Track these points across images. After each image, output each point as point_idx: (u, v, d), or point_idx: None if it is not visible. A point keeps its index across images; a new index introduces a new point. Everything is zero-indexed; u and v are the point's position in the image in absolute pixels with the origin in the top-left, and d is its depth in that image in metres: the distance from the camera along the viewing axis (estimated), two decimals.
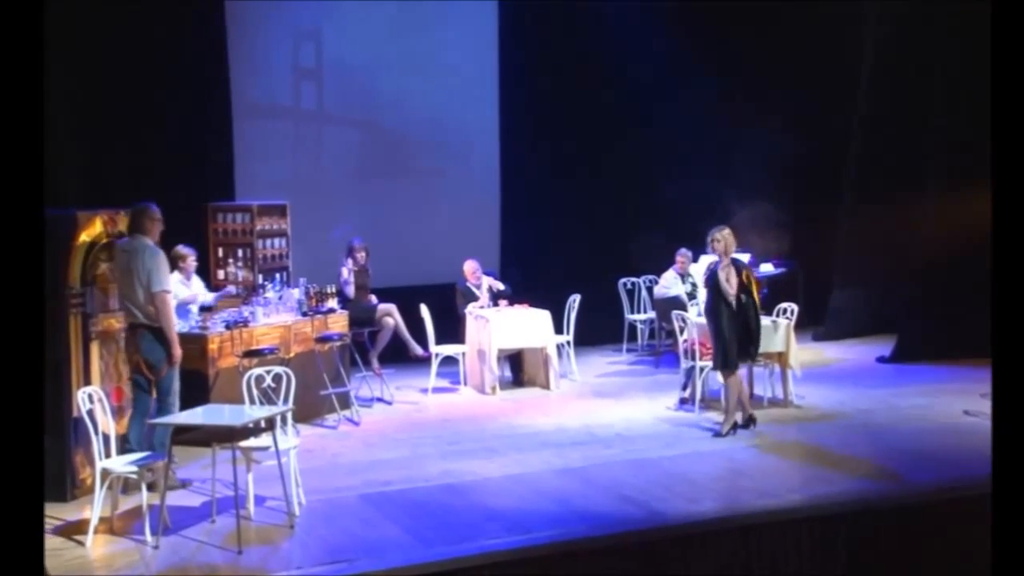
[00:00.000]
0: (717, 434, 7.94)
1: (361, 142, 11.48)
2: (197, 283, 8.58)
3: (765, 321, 8.89)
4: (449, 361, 10.01)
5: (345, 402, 8.93)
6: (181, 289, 8.25)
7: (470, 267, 10.25)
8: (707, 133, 12.20)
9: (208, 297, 8.59)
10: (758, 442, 7.80)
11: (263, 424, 6.20)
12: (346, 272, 9.67)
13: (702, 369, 8.68)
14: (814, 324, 11.97)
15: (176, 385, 6.79)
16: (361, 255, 9.75)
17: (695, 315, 9.06)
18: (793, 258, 12.34)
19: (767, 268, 11.91)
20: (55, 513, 6.31)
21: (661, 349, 11.11)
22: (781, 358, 8.82)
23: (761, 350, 8.57)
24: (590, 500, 6.49)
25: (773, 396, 9.01)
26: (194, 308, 8.31)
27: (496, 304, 10.12)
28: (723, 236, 8.02)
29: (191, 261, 8.41)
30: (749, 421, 8.04)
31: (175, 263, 8.09)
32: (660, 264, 11.00)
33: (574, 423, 8.54)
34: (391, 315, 9.78)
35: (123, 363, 6.95)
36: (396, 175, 11.57)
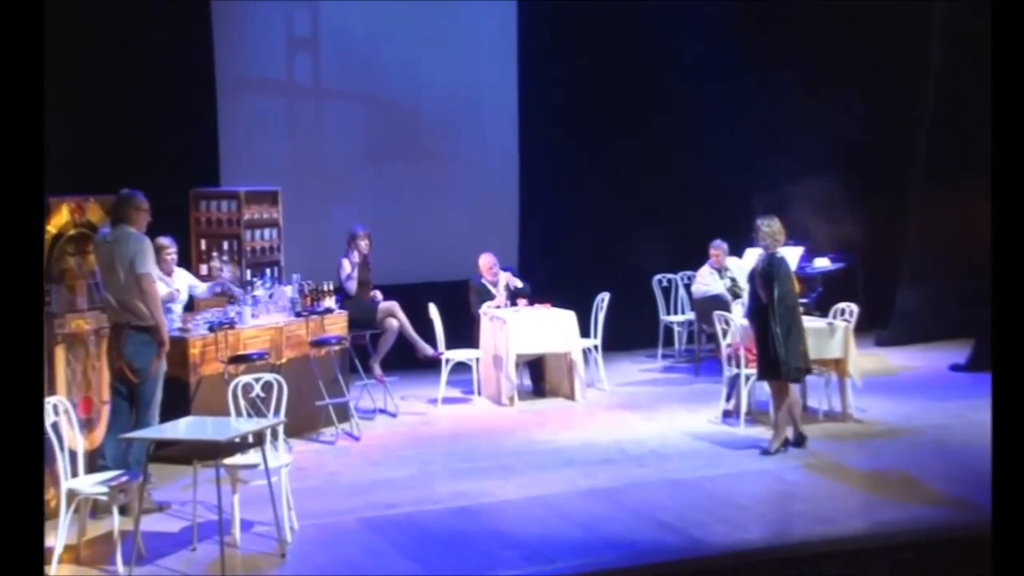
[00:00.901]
0: (765, 452, 7.87)
1: (363, 121, 11.45)
2: (182, 276, 8.53)
3: (820, 323, 8.80)
4: (461, 368, 9.97)
5: (344, 414, 8.90)
6: (160, 287, 8.22)
7: (486, 261, 10.20)
8: (755, 111, 12.14)
9: (201, 288, 8.55)
10: (813, 461, 7.72)
11: (251, 439, 6.15)
12: (348, 266, 9.62)
13: (748, 378, 8.60)
14: (877, 327, 11.88)
15: (159, 395, 6.78)
16: (364, 243, 9.69)
17: (739, 316, 8.97)
18: (853, 251, 12.22)
19: (822, 263, 11.84)
20: None
21: (701, 355, 11.06)
22: (839, 366, 8.73)
23: (816, 356, 8.49)
24: (621, 526, 6.44)
25: (830, 409, 8.93)
26: (176, 308, 8.28)
27: (514, 303, 10.06)
28: (769, 227, 7.92)
29: (170, 253, 8.35)
30: (800, 439, 7.94)
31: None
32: (701, 259, 10.92)
33: (603, 438, 8.49)
34: (394, 315, 9.73)
35: (91, 370, 6.93)
36: (402, 159, 11.54)
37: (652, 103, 12.13)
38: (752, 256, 10.67)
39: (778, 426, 7.93)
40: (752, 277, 8.01)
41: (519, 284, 10.17)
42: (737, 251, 11.20)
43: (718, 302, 10.27)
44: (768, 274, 7.82)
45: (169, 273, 8.34)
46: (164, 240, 8.34)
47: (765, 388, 8.55)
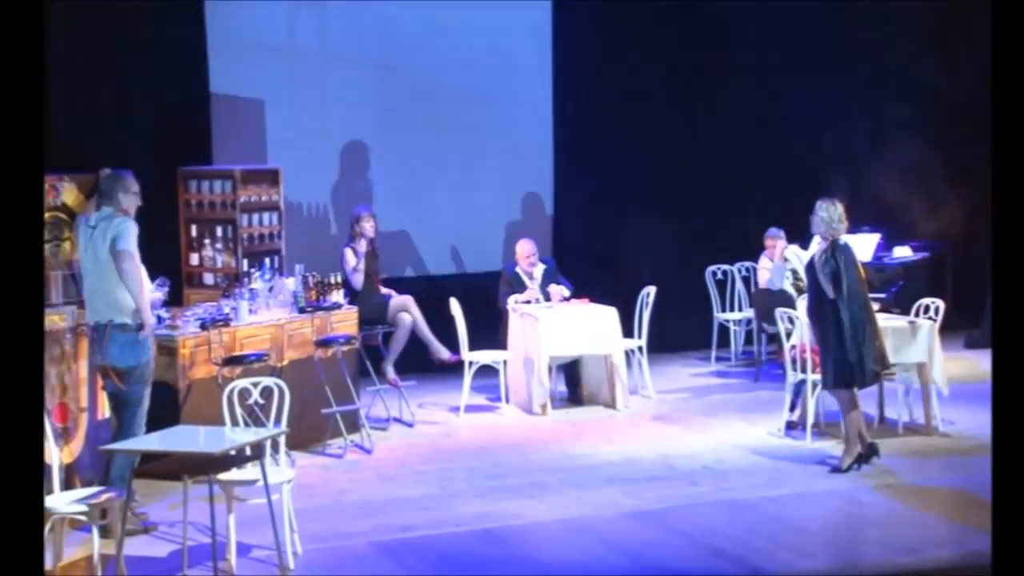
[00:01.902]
0: (836, 469, 7.84)
1: (375, 90, 11.46)
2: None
3: (901, 322, 8.75)
4: (487, 372, 9.98)
5: (354, 424, 8.93)
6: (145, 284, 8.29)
7: (524, 248, 10.18)
8: (822, 72, 12.08)
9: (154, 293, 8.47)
10: (891, 481, 7.69)
11: (248, 452, 6.18)
12: (352, 257, 9.63)
13: (815, 384, 8.56)
14: (967, 326, 11.78)
15: (146, 402, 6.85)
16: (369, 225, 9.69)
17: (805, 314, 8.92)
18: (940, 239, 12.14)
19: (903, 253, 11.77)
20: None
21: (761, 358, 11.02)
22: (922, 371, 8.68)
23: (897, 359, 8.44)
24: (670, 552, 6.43)
25: (911, 421, 8.89)
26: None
27: (548, 298, 10.04)
28: (828, 212, 7.87)
29: None
30: (872, 449, 7.91)
31: None
32: (762, 248, 10.88)
33: (648, 453, 8.49)
34: (407, 310, 9.75)
35: (68, 372, 6.99)
36: (421, 133, 11.54)
37: (706, 69, 12.11)
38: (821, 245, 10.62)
39: (849, 439, 7.89)
40: (811, 269, 7.95)
41: (566, 293, 10.13)
42: (801, 240, 11.14)
43: (781, 298, 10.22)
44: (834, 265, 7.76)
45: None
46: None
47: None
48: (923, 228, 12.02)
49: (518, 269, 10.18)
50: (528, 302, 10.02)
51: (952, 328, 10.20)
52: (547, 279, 10.16)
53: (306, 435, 8.54)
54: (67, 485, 6.49)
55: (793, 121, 12.09)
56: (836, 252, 7.83)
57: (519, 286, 10.12)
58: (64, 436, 6.90)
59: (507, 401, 9.98)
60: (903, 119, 11.92)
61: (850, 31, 12.25)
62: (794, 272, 10.67)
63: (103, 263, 6.70)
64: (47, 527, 5.88)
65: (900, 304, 10.28)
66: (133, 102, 10.02)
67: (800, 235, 11.11)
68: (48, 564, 6.01)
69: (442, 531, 6.84)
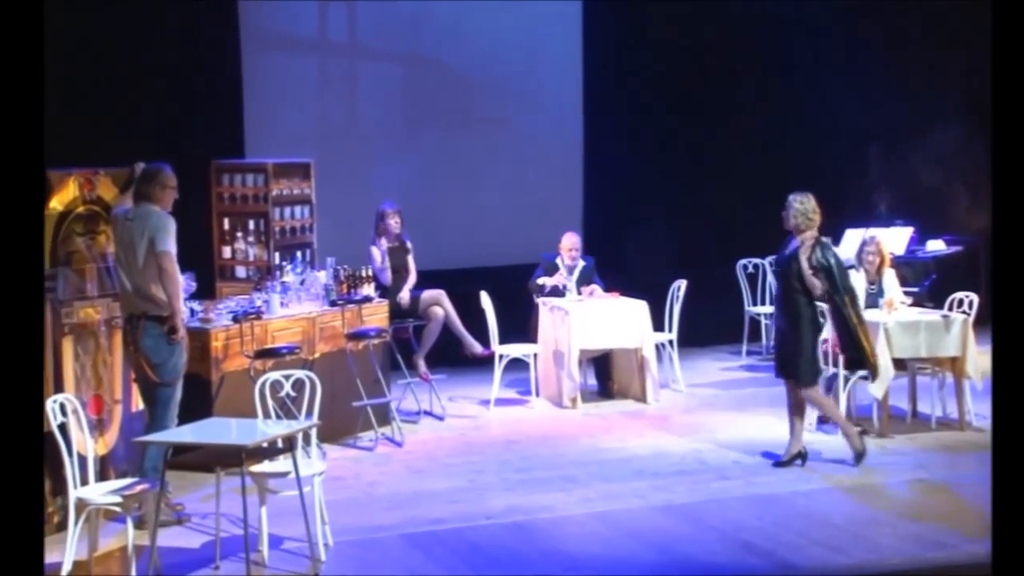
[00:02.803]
0: (856, 460, 7.82)
1: (405, 83, 11.50)
2: None
3: (934, 316, 8.69)
4: (517, 365, 9.99)
5: (384, 417, 8.97)
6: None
7: (570, 241, 10.13)
8: (855, 60, 12.03)
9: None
10: (924, 476, 7.65)
11: (280, 444, 6.21)
12: (379, 255, 9.65)
13: (846, 379, 8.52)
14: None
15: (178, 394, 6.88)
16: (396, 221, 9.72)
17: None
18: (973, 232, 12.05)
19: (936, 246, 11.71)
20: None
21: None
22: (955, 365, 8.63)
23: (929, 353, 8.41)
24: (700, 546, 6.42)
25: (944, 416, 8.84)
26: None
27: (578, 291, 10.03)
28: (803, 204, 7.75)
29: None
30: (803, 454, 7.91)
31: None
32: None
33: (678, 446, 8.48)
34: (439, 304, 9.77)
35: (102, 365, 7.05)
36: (450, 126, 11.58)
37: (738, 58, 12.08)
38: (853, 239, 10.59)
39: (850, 435, 7.86)
40: (786, 264, 7.80)
41: (599, 292, 10.10)
42: (833, 234, 11.09)
43: None
44: (826, 263, 7.66)
45: None
46: None
47: (869, 391, 8.49)
48: (957, 221, 11.94)
49: (559, 260, 10.16)
50: (559, 286, 9.98)
51: (986, 322, 10.06)
52: (584, 276, 10.15)
53: (337, 428, 8.58)
54: (102, 476, 6.54)
55: (826, 113, 12.03)
56: (826, 250, 7.74)
57: (553, 275, 10.10)
58: (99, 428, 6.96)
59: (537, 395, 9.99)
60: (939, 109, 11.83)
61: (884, 15, 12.13)
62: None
63: (139, 257, 6.75)
64: (82, 517, 5.96)
65: (933, 298, 10.22)
66: (167, 96, 10.09)
67: (831, 229, 11.11)
68: (83, 554, 6.09)
69: (472, 524, 6.85)
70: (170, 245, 6.80)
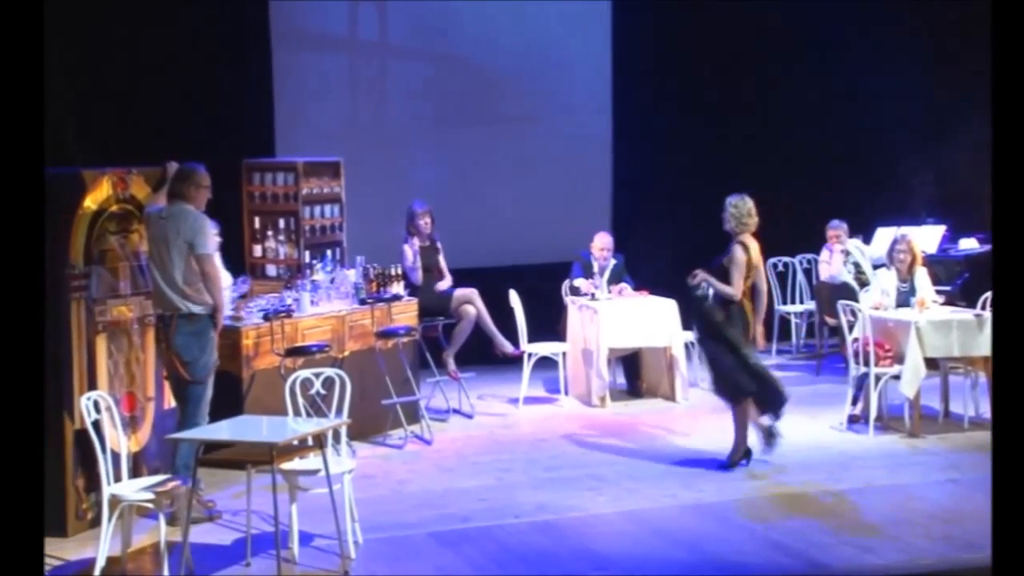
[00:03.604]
0: (723, 466, 7.85)
1: (434, 82, 11.52)
2: None
3: (966, 315, 8.64)
4: (546, 364, 9.99)
5: (414, 415, 8.99)
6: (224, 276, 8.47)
7: (602, 240, 10.15)
8: (889, 60, 11.96)
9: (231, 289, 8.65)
10: (957, 476, 7.62)
11: (310, 441, 6.25)
12: (411, 254, 9.67)
13: (879, 378, 8.49)
14: None
15: (210, 391, 6.94)
16: (425, 222, 9.74)
17: (868, 306, 8.87)
18: None
19: (969, 244, 11.62)
20: (53, 551, 6.45)
21: (823, 351, 10.94)
22: (988, 364, 8.56)
23: (962, 352, 8.39)
24: (729, 546, 6.42)
25: (977, 415, 8.81)
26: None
27: (608, 290, 10.03)
28: (737, 208, 7.78)
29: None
30: (748, 453, 7.91)
31: None
32: (823, 238, 10.80)
33: (708, 445, 8.46)
34: (471, 303, 9.79)
35: (135, 362, 7.10)
36: (479, 125, 11.59)
37: (770, 56, 12.02)
38: (885, 237, 10.54)
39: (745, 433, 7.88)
40: (718, 266, 7.85)
41: (629, 291, 10.09)
42: (864, 234, 11.06)
43: (843, 290, 10.15)
44: (731, 260, 7.70)
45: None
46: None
47: (900, 391, 8.46)
48: (990, 219, 11.86)
49: (592, 258, 10.17)
50: (594, 288, 9.99)
51: None
52: (615, 275, 10.15)
53: (367, 425, 8.61)
54: (135, 473, 6.59)
55: (857, 112, 11.97)
56: (750, 252, 7.75)
57: (590, 273, 10.12)
58: (132, 425, 7.01)
59: (566, 393, 10.00)
60: (971, 105, 11.73)
61: (923, 8, 12.03)
62: (856, 265, 10.60)
63: (172, 255, 6.80)
64: (115, 514, 6.01)
65: (966, 297, 10.16)
66: (199, 95, 10.14)
67: (863, 228, 11.08)
68: (116, 550, 6.15)
69: (501, 522, 6.87)
70: (210, 247, 6.89)
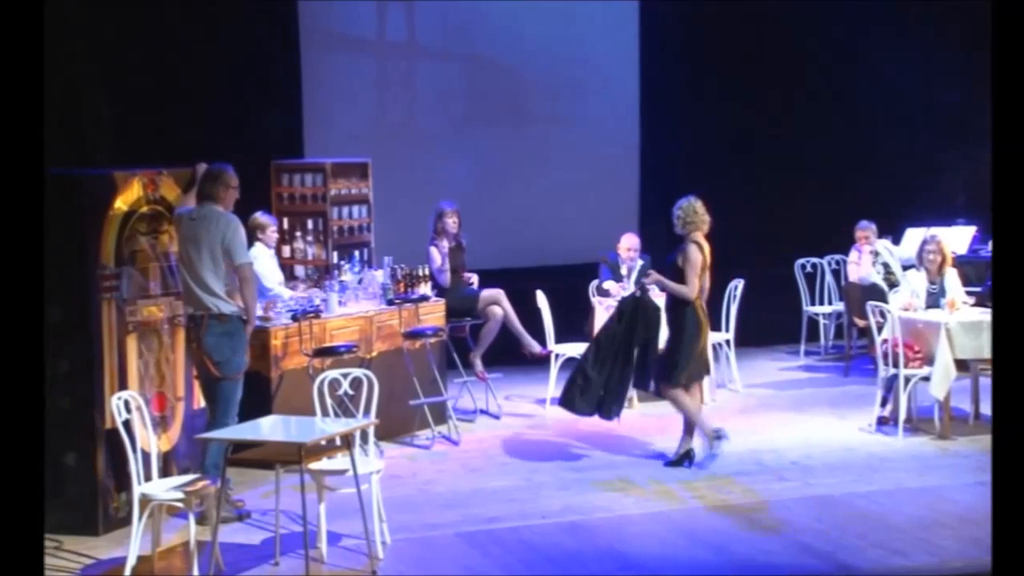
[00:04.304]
0: (669, 463, 7.94)
1: (462, 83, 11.55)
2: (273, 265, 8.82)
3: (988, 316, 8.58)
4: (573, 364, 9.95)
5: (441, 415, 9.02)
6: (273, 266, 8.53)
7: (629, 241, 10.12)
8: (918, 59, 11.89)
9: (283, 292, 8.70)
10: (985, 478, 7.51)
11: (338, 442, 6.28)
12: (438, 256, 9.67)
13: (908, 379, 8.46)
14: None
15: (239, 392, 6.98)
16: (453, 221, 9.75)
17: (897, 308, 8.83)
18: None
19: None
20: (84, 549, 6.54)
21: (852, 352, 10.90)
22: None
23: (992, 354, 8.31)
24: (757, 547, 6.41)
25: None
26: (284, 292, 8.56)
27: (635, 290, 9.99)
28: (682, 212, 7.92)
29: (272, 232, 8.68)
30: (690, 452, 7.98)
31: (253, 235, 8.34)
32: (852, 239, 10.76)
33: (735, 447, 8.41)
34: (498, 303, 9.80)
35: (165, 362, 7.16)
36: (507, 125, 11.61)
37: (798, 55, 11.98)
38: (914, 239, 10.49)
39: (702, 435, 7.95)
40: (671, 264, 7.94)
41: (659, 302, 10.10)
42: (893, 235, 11.01)
43: (872, 291, 10.11)
44: (680, 259, 7.80)
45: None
46: (265, 218, 8.68)
47: (930, 392, 8.42)
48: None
49: (619, 259, 10.16)
50: (615, 296, 9.98)
51: None
52: (643, 275, 10.12)
53: (394, 426, 8.63)
54: (164, 472, 6.64)
55: (886, 112, 11.92)
56: (704, 252, 7.84)
57: (618, 274, 10.12)
58: (162, 425, 7.07)
59: None
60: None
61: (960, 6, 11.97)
62: (885, 265, 10.56)
63: (203, 256, 6.84)
64: (146, 513, 6.06)
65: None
66: (228, 96, 10.21)
67: (892, 229, 11.03)
68: (147, 549, 6.20)
69: (528, 523, 6.88)
70: (248, 255, 6.99)
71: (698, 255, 7.81)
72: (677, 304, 7.89)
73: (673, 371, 7.85)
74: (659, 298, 9.74)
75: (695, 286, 7.79)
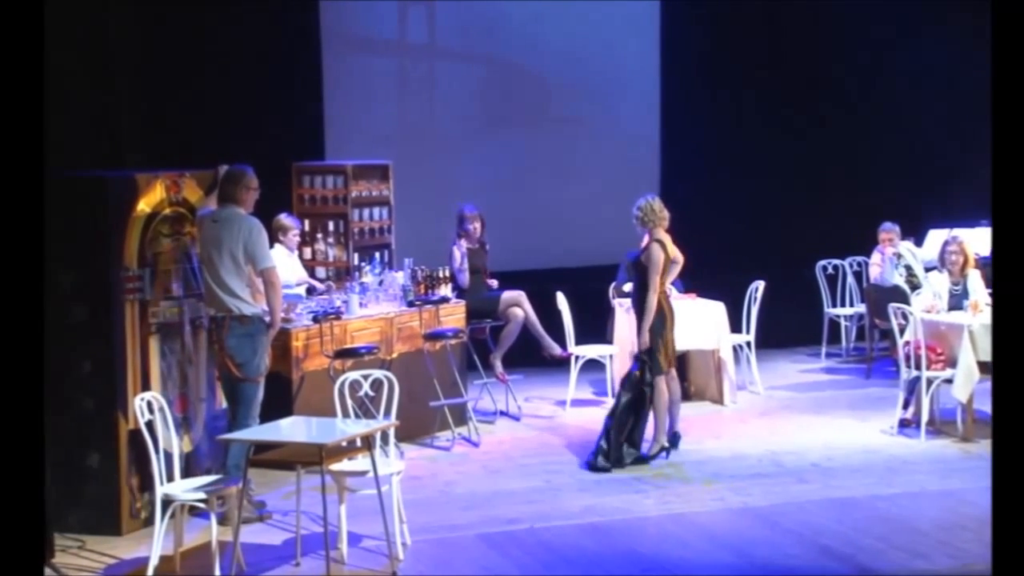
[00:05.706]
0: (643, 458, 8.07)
1: (483, 85, 11.57)
2: (298, 266, 8.85)
3: None
4: (593, 366, 10.00)
5: (461, 417, 9.04)
6: (291, 267, 8.58)
7: None
8: (943, 59, 11.86)
9: (299, 287, 8.79)
10: None
11: (359, 443, 6.30)
12: (459, 256, 9.70)
13: (930, 381, 8.43)
14: None
15: (261, 393, 7.02)
16: (475, 226, 9.78)
17: (920, 309, 8.80)
18: None
19: None
20: (106, 549, 6.59)
21: (874, 354, 10.87)
22: None
23: None
24: (777, 550, 6.41)
25: None
26: (300, 290, 8.64)
27: None
28: (640, 212, 8.14)
29: (293, 235, 8.73)
30: (676, 438, 8.22)
31: (275, 236, 8.39)
32: (874, 240, 10.73)
33: (756, 449, 8.45)
34: (519, 305, 9.82)
35: (188, 363, 7.20)
36: (528, 126, 11.62)
37: (822, 56, 11.95)
38: (936, 240, 10.45)
39: (659, 434, 8.16)
40: (636, 263, 8.16)
41: (675, 293, 10.09)
42: (916, 237, 10.98)
43: (895, 293, 10.08)
44: (665, 258, 7.99)
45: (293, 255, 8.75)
46: (289, 219, 8.73)
47: (953, 394, 8.40)
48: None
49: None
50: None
51: None
52: None
53: (415, 427, 8.66)
54: (186, 473, 6.67)
55: (908, 114, 11.88)
56: (667, 249, 8.05)
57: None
58: (184, 425, 7.11)
59: (613, 395, 9.98)
60: None
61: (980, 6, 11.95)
62: (908, 267, 10.53)
63: (224, 257, 6.88)
64: (168, 513, 6.10)
65: None
66: (249, 98, 10.26)
67: (915, 230, 11.00)
68: (169, 549, 6.24)
69: (548, 524, 6.89)
70: (272, 259, 7.04)
71: (660, 254, 8.02)
72: (643, 299, 8.07)
73: (654, 362, 8.06)
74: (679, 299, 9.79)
75: (655, 284, 8.00)
